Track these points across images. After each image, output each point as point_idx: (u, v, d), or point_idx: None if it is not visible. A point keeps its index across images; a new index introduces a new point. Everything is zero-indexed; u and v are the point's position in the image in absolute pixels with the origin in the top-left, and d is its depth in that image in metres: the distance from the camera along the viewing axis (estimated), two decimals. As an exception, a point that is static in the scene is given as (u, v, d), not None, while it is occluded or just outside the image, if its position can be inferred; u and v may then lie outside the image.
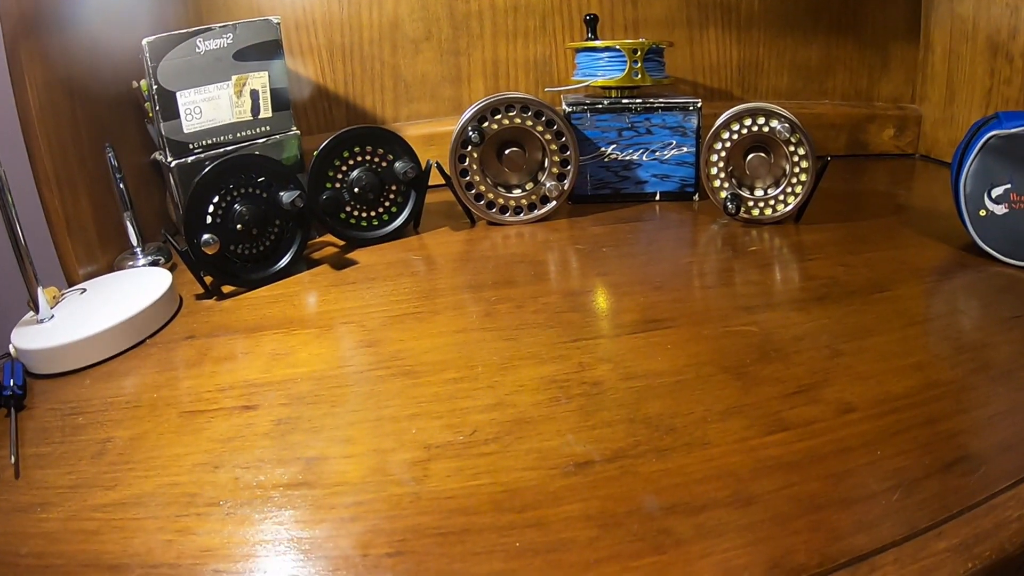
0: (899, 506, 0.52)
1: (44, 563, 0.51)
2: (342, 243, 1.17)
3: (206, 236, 0.95)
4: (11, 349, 0.82)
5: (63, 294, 0.92)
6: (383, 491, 0.56)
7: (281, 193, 1.02)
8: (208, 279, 1.00)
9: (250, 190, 1.01)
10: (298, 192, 1.01)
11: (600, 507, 0.53)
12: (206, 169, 0.97)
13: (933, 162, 1.53)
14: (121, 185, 1.05)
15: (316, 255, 1.13)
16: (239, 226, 0.99)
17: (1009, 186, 0.92)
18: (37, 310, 0.85)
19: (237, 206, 0.99)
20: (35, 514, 0.57)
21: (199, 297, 0.99)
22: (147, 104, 1.10)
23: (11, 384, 0.74)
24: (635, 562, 0.48)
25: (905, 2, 1.55)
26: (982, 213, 0.95)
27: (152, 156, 1.18)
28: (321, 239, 1.20)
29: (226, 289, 1.00)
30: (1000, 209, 0.93)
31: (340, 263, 1.08)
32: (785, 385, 0.68)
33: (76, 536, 0.54)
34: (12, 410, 0.72)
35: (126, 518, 0.55)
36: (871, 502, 0.52)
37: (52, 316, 0.85)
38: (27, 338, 0.81)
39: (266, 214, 1.02)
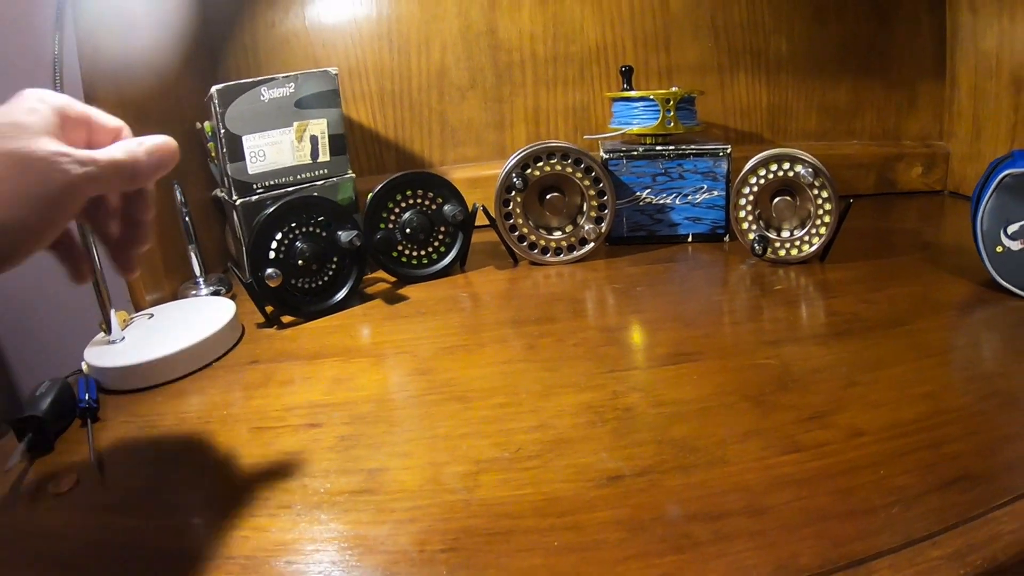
0: (898, 518, 0.56)
1: (130, 555, 0.58)
2: (394, 279, 1.22)
3: (270, 270, 1.01)
4: (83, 366, 0.88)
5: (132, 318, 0.98)
6: (438, 498, 0.62)
7: (340, 232, 1.07)
8: (269, 309, 1.05)
9: (311, 229, 1.07)
10: (356, 232, 1.07)
11: (629, 514, 0.58)
12: (271, 208, 1.03)
13: (961, 198, 1.53)
14: (187, 219, 1.12)
15: (370, 290, 1.18)
16: (300, 261, 1.05)
17: None
18: (109, 331, 0.91)
19: (299, 243, 1.05)
20: (117, 513, 0.63)
21: (260, 326, 1.04)
22: (210, 144, 1.16)
23: (86, 398, 0.80)
24: (658, 559, 0.53)
25: (930, 41, 1.57)
26: (999, 249, 0.96)
27: (213, 193, 1.24)
28: (374, 275, 1.26)
29: (285, 319, 1.06)
30: (1016, 245, 0.95)
31: (392, 298, 1.13)
32: (800, 412, 0.72)
33: (156, 533, 0.60)
34: (88, 421, 0.78)
35: (202, 517, 0.62)
36: (872, 515, 0.56)
37: (123, 338, 0.92)
38: (100, 356, 0.88)
39: (325, 251, 1.08)
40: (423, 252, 1.23)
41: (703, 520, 0.57)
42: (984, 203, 0.97)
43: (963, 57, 1.53)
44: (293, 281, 1.06)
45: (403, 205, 1.19)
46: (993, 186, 0.96)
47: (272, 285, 1.02)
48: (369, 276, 1.26)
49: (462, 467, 0.66)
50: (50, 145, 0.51)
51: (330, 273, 1.10)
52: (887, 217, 1.49)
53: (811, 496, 0.59)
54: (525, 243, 1.25)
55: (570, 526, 0.57)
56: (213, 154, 1.16)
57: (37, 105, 0.53)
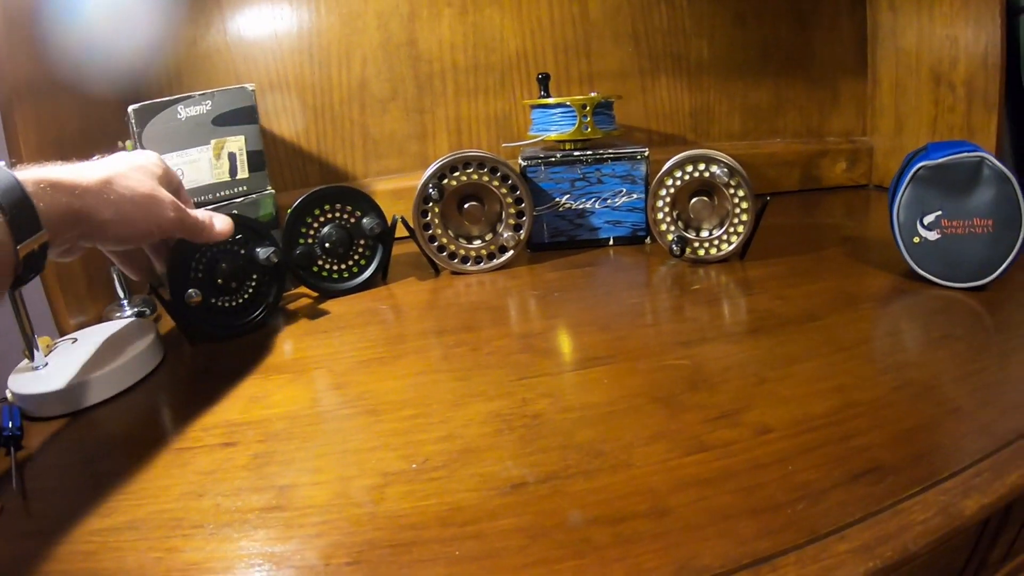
0: (804, 514, 0.57)
1: None
2: (315, 294, 1.23)
3: (190, 290, 1.01)
4: (8, 394, 0.87)
5: (55, 343, 0.97)
6: (345, 512, 0.62)
7: (258, 249, 1.07)
8: (190, 329, 1.05)
9: (229, 246, 1.07)
10: (273, 248, 1.07)
11: (531, 521, 0.59)
12: (187, 228, 1.03)
13: (886, 191, 1.50)
14: (109, 242, 1.11)
15: (291, 306, 1.18)
16: (220, 280, 1.05)
17: (940, 213, 0.98)
18: (32, 358, 0.90)
19: (219, 262, 1.05)
20: (38, 539, 0.62)
21: (182, 346, 1.04)
22: None
23: (10, 426, 0.79)
24: (558, 565, 0.54)
25: (851, 40, 1.62)
26: (916, 240, 1.00)
27: (137, 214, 1.24)
28: (296, 291, 1.26)
29: (205, 338, 1.06)
30: (933, 235, 0.99)
31: (313, 313, 1.14)
32: (708, 411, 0.74)
33: (75, 556, 0.60)
34: (12, 449, 0.77)
35: (120, 540, 0.61)
36: (777, 511, 0.58)
37: (46, 364, 0.91)
38: (23, 384, 0.87)
39: (244, 269, 1.08)
40: (344, 266, 1.23)
41: (605, 524, 0.58)
42: (900, 195, 1.00)
43: (884, 55, 1.59)
44: (213, 300, 1.06)
45: (322, 220, 1.19)
46: (908, 178, 0.99)
47: (192, 304, 1.02)
48: (291, 292, 1.26)
49: (369, 480, 0.67)
50: (167, 193, 0.87)
51: (250, 291, 1.10)
52: (812, 213, 1.53)
53: (715, 495, 0.60)
54: (445, 253, 1.26)
55: (472, 535, 0.58)
56: (135, 174, 1.15)
57: (157, 160, 0.91)
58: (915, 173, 0.99)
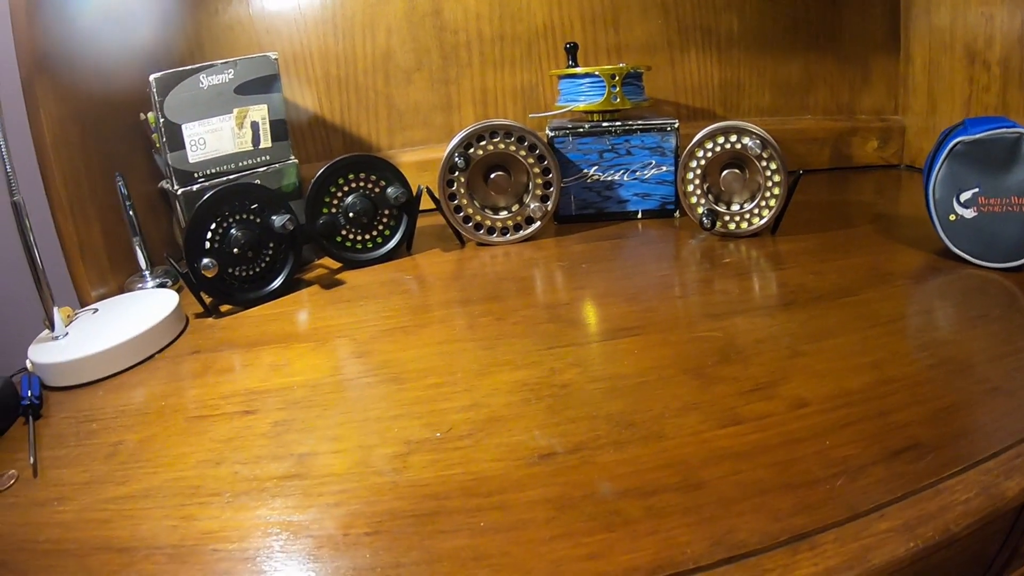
0: (843, 490, 0.55)
1: (60, 548, 0.57)
2: (339, 265, 1.22)
3: (205, 260, 1.00)
4: (28, 364, 0.87)
5: (76, 314, 0.97)
6: (365, 480, 0.61)
7: (273, 218, 1.07)
8: (208, 299, 1.04)
9: (245, 216, 1.06)
10: (288, 216, 1.07)
11: (559, 492, 0.58)
12: (203, 198, 1.02)
13: (918, 171, 1.54)
14: (131, 212, 1.10)
15: (313, 276, 1.17)
16: (236, 250, 1.04)
17: (977, 190, 0.95)
18: (53, 328, 0.90)
19: (233, 231, 1.04)
20: (52, 507, 0.62)
21: (202, 316, 1.03)
22: (154, 135, 1.15)
23: (29, 395, 0.80)
24: (586, 538, 0.53)
25: (883, 16, 1.58)
26: (952, 218, 0.98)
27: (159, 184, 1.23)
28: (319, 262, 1.25)
29: (225, 308, 1.05)
30: (969, 213, 0.96)
31: (336, 283, 1.13)
32: (742, 384, 0.72)
33: (89, 525, 0.59)
34: (30, 418, 0.77)
35: (135, 508, 0.61)
36: (815, 487, 0.56)
37: (67, 333, 0.91)
38: (43, 353, 0.87)
39: (260, 238, 1.07)
40: (368, 236, 1.22)
41: (635, 496, 0.57)
42: (936, 172, 0.98)
43: (917, 32, 1.54)
44: (230, 270, 1.05)
45: (345, 189, 1.18)
46: (944, 154, 0.97)
47: (208, 275, 1.01)
48: (315, 263, 1.25)
49: (391, 449, 0.66)
50: None
51: (267, 260, 1.10)
52: (842, 191, 1.49)
53: (750, 469, 0.59)
54: (471, 224, 1.25)
55: (497, 506, 0.57)
56: (157, 145, 1.15)
57: None
58: (952, 148, 0.97)
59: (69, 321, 0.94)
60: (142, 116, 1.19)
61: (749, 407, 0.68)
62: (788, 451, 0.61)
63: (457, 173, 1.21)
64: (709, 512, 0.55)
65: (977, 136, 0.95)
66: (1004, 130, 0.93)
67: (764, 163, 1.14)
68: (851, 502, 0.54)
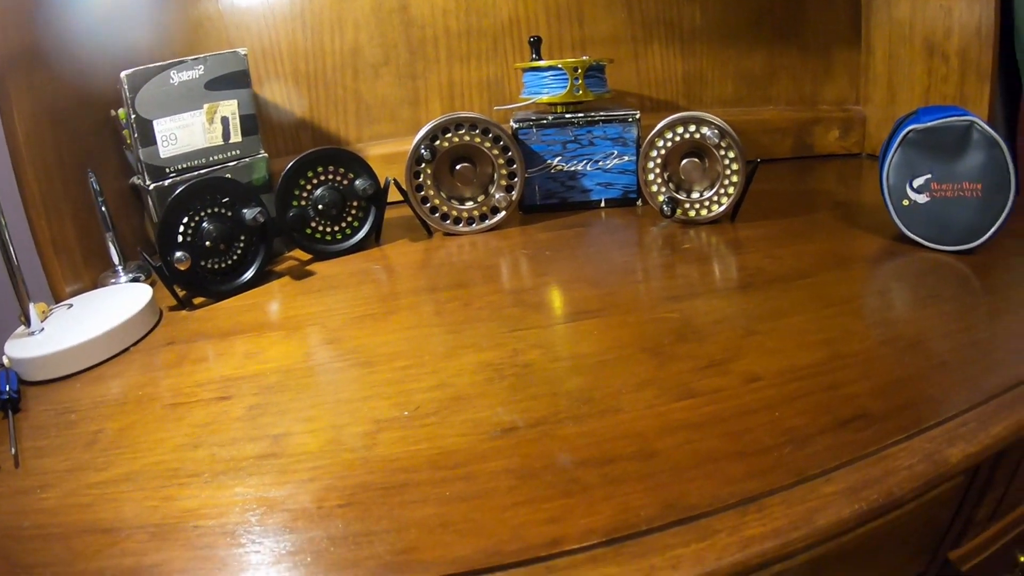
0: (791, 457, 0.58)
1: (45, 532, 0.58)
2: (309, 256, 1.23)
3: (178, 254, 1.01)
4: (4, 360, 0.88)
5: (51, 309, 0.98)
6: (337, 457, 0.64)
7: (244, 211, 1.08)
8: (182, 292, 1.06)
9: (217, 210, 1.07)
10: (259, 209, 1.08)
11: (520, 463, 0.60)
12: (175, 193, 1.03)
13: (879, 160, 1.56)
14: (103, 208, 1.11)
15: (284, 268, 1.19)
16: (208, 243, 1.05)
17: (929, 176, 0.98)
18: (29, 324, 0.91)
19: (205, 225, 1.06)
20: (35, 495, 0.63)
21: (176, 308, 1.05)
22: (125, 131, 1.15)
23: (7, 389, 0.81)
24: (547, 504, 0.55)
25: (845, 8, 1.61)
26: (905, 203, 1.00)
27: (131, 180, 1.24)
28: (290, 254, 1.27)
29: (198, 300, 1.06)
30: (922, 198, 0.99)
31: (306, 274, 1.14)
32: (698, 361, 0.75)
33: (73, 509, 0.61)
34: (9, 412, 0.78)
35: (117, 492, 0.62)
36: (765, 454, 0.59)
37: (43, 329, 0.91)
38: (20, 349, 0.87)
39: (232, 231, 1.08)
40: (337, 228, 1.24)
41: (593, 465, 0.59)
42: (890, 159, 1.01)
43: (877, 24, 1.57)
44: (203, 263, 1.07)
45: (315, 182, 1.20)
46: (898, 142, 1.00)
47: (181, 268, 1.02)
48: (285, 255, 1.27)
49: (362, 427, 0.68)
50: None
51: (238, 252, 1.11)
52: (804, 180, 1.53)
53: (702, 439, 0.62)
54: (437, 214, 1.27)
55: (462, 477, 0.59)
56: (129, 141, 1.15)
57: None
58: (905, 136, 1.00)
59: (44, 317, 0.95)
60: (113, 112, 1.20)
61: (703, 382, 0.71)
62: (740, 422, 0.64)
63: (423, 165, 1.23)
64: (663, 479, 0.57)
65: (929, 124, 0.98)
66: (955, 118, 0.96)
67: (722, 152, 1.17)
68: (799, 468, 0.57)
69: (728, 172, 1.18)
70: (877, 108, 1.62)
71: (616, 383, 0.72)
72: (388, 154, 1.47)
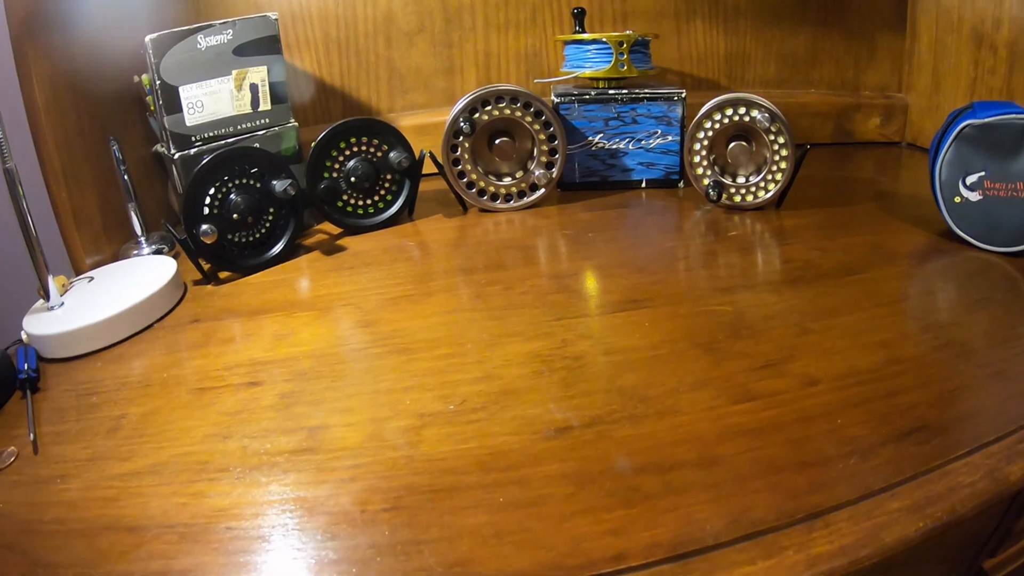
0: (855, 469, 0.56)
1: (66, 528, 0.55)
2: (340, 230, 1.20)
3: (204, 227, 0.98)
4: (23, 335, 0.85)
5: (71, 282, 0.95)
6: (380, 455, 0.60)
7: (274, 182, 1.05)
8: (207, 266, 1.03)
9: (245, 181, 1.04)
10: (289, 181, 1.05)
11: (577, 467, 0.57)
12: (202, 162, 1.00)
13: (919, 151, 1.53)
14: (125, 177, 1.08)
15: (314, 242, 1.15)
16: (235, 215, 1.02)
17: (983, 173, 0.94)
18: (48, 298, 0.88)
19: (233, 196, 1.03)
20: (56, 485, 0.60)
21: (201, 283, 1.02)
22: (148, 98, 1.12)
23: (25, 368, 0.78)
24: (607, 514, 0.52)
25: (891, -7, 1.57)
26: (957, 200, 0.97)
27: (154, 148, 1.21)
28: (319, 227, 1.23)
29: (224, 275, 1.03)
30: (974, 196, 0.96)
31: (337, 249, 1.11)
32: (753, 360, 0.72)
33: (95, 503, 0.58)
34: (28, 392, 0.75)
35: (142, 485, 0.59)
36: (828, 466, 0.56)
37: (62, 303, 0.88)
38: (39, 324, 0.84)
39: (260, 203, 1.05)
40: (369, 201, 1.20)
41: (653, 472, 0.57)
42: (943, 153, 0.97)
43: (925, 10, 1.52)
44: (229, 236, 1.04)
45: (347, 153, 1.16)
46: (952, 136, 0.96)
47: (207, 241, 0.99)
48: (315, 228, 1.23)
49: (405, 422, 0.65)
50: None
51: (267, 226, 1.08)
52: (844, 167, 1.49)
53: (764, 446, 0.59)
54: (474, 190, 1.24)
55: (516, 481, 0.56)
56: (152, 108, 1.12)
57: None
58: (961, 131, 0.96)
59: (64, 290, 0.92)
60: (136, 79, 1.17)
61: (761, 384, 0.68)
62: (800, 429, 0.61)
63: (461, 138, 1.19)
64: (726, 489, 0.54)
65: (986, 120, 0.94)
66: (1014, 116, 0.93)
67: (772, 136, 1.13)
68: (864, 481, 0.55)
69: (776, 158, 1.14)
70: (920, 97, 1.57)
71: (671, 381, 0.69)
72: (421, 125, 1.43)
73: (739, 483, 0.55)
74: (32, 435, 0.68)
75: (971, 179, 0.96)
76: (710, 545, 0.50)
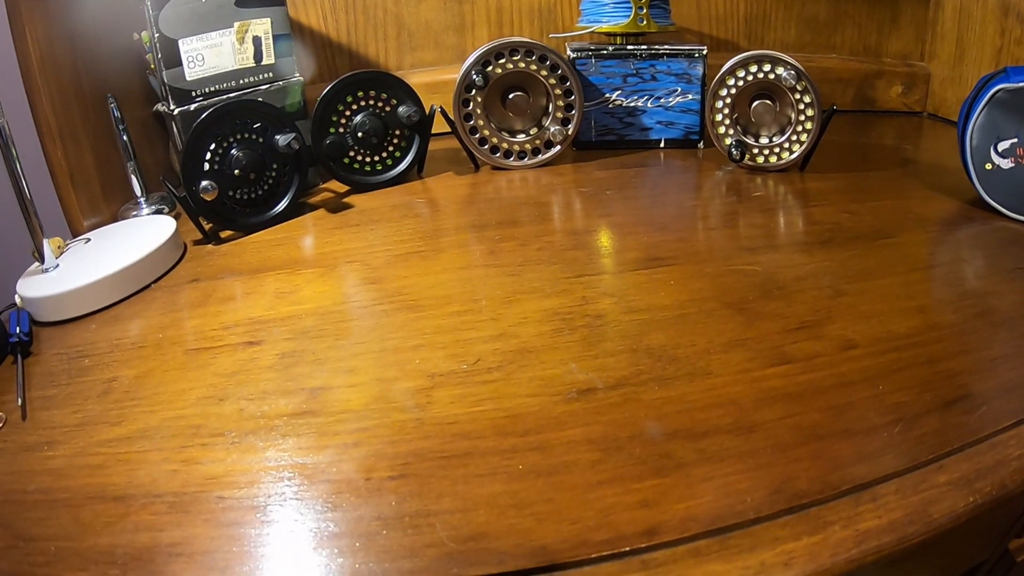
0: (900, 439, 0.53)
1: (51, 498, 0.52)
2: (346, 188, 1.16)
3: (204, 183, 0.95)
4: (16, 299, 0.82)
5: (68, 244, 0.92)
6: (386, 417, 0.57)
7: (277, 136, 1.02)
8: (208, 225, 1.00)
9: (247, 135, 1.01)
10: (293, 135, 1.01)
11: (603, 432, 0.53)
12: (202, 116, 0.96)
13: (941, 121, 1.50)
14: (124, 137, 1.05)
15: (319, 200, 1.12)
16: (237, 171, 0.99)
17: (1016, 140, 0.91)
18: (42, 260, 0.85)
19: (234, 151, 0.99)
20: (42, 452, 0.57)
21: (201, 243, 0.99)
22: (149, 56, 1.09)
23: (17, 331, 0.75)
24: (637, 484, 0.48)
25: (915, -43, 1.52)
26: (988, 167, 0.94)
27: (155, 108, 1.17)
28: (325, 185, 1.20)
29: (226, 234, 1.00)
30: (1006, 163, 0.93)
31: (343, 207, 1.08)
32: (787, 321, 0.69)
33: (82, 471, 0.54)
34: (19, 356, 0.72)
35: (131, 451, 0.56)
36: (872, 434, 0.53)
37: (57, 265, 0.85)
38: (32, 287, 0.82)
39: (263, 159, 1.02)
40: (377, 158, 1.17)
41: (686, 438, 0.53)
42: (974, 118, 0.94)
43: (949, -25, 1.48)
44: (231, 193, 1.00)
45: (354, 108, 1.12)
46: (984, 101, 0.93)
47: (207, 199, 0.96)
48: (320, 186, 1.20)
49: (414, 382, 0.61)
50: None
51: (270, 182, 1.04)
52: (866, 133, 1.46)
53: (804, 412, 0.56)
54: (487, 146, 1.20)
55: (535, 446, 0.53)
56: (152, 67, 1.08)
57: None
58: (994, 95, 0.92)
59: (60, 252, 0.89)
60: (135, 36, 1.13)
61: (797, 346, 0.65)
62: (841, 395, 0.58)
63: (474, 92, 1.15)
64: (765, 457, 0.51)
65: (1021, 84, 0.90)
66: (1049, 81, 0.89)
67: (798, 96, 1.09)
68: (910, 452, 0.52)
69: (802, 118, 1.10)
70: (943, 66, 1.53)
71: (702, 341, 0.66)
72: (430, 83, 1.38)
73: (779, 451, 0.52)
74: (21, 400, 0.65)
75: (1003, 146, 0.92)
76: (751, 519, 0.46)
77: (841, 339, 0.66)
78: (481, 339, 0.67)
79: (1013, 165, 0.92)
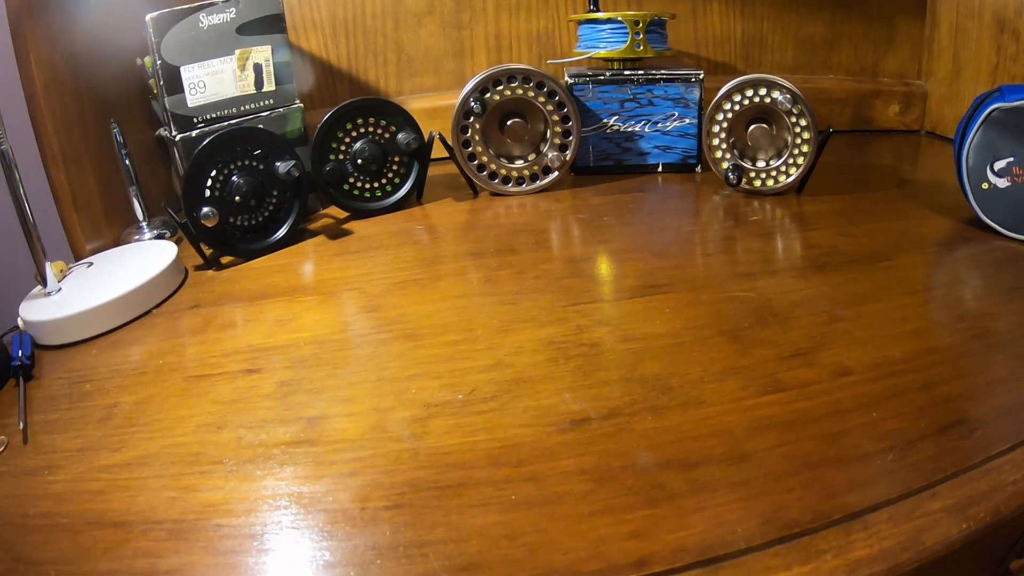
0: (893, 466, 0.53)
1: (51, 523, 0.52)
2: (346, 214, 1.17)
3: (205, 209, 0.95)
4: (19, 322, 0.83)
5: (70, 268, 0.93)
6: (382, 447, 0.57)
7: (277, 163, 1.02)
8: (208, 251, 1.00)
9: (247, 162, 1.02)
10: (293, 162, 1.02)
11: (595, 462, 0.54)
12: (203, 143, 0.97)
13: (939, 139, 1.50)
14: (127, 161, 1.05)
15: (319, 226, 1.13)
16: (237, 198, 0.99)
17: (1012, 159, 0.91)
18: (45, 284, 0.86)
19: (235, 178, 1.00)
20: (43, 477, 0.58)
21: (202, 268, 0.99)
22: (151, 80, 1.10)
23: (19, 355, 0.75)
24: (629, 515, 0.49)
25: (910, -24, 1.53)
26: (984, 186, 0.94)
27: (158, 133, 1.18)
28: (325, 211, 1.20)
29: (226, 260, 1.01)
30: (1003, 182, 0.93)
31: (343, 233, 1.08)
32: (782, 348, 0.69)
33: (82, 496, 0.55)
34: (20, 379, 0.73)
35: (131, 478, 0.56)
36: (865, 462, 0.53)
37: (59, 289, 0.86)
38: (35, 311, 0.82)
39: (263, 185, 1.02)
40: (376, 184, 1.17)
41: (678, 468, 0.54)
42: (970, 138, 0.94)
43: (945, -6, 1.49)
44: (232, 219, 1.01)
45: (354, 134, 1.13)
46: (980, 120, 0.93)
47: (208, 225, 0.96)
48: (320, 212, 1.21)
49: (409, 412, 0.62)
50: None
51: (270, 209, 1.05)
52: (864, 153, 1.46)
53: (797, 441, 0.56)
54: (485, 173, 1.21)
55: (529, 477, 0.53)
56: (155, 91, 1.09)
57: None
58: (989, 114, 0.92)
59: (62, 276, 0.90)
60: (138, 61, 1.14)
61: (791, 373, 0.65)
62: (834, 422, 0.58)
63: (472, 119, 1.16)
64: (757, 487, 0.51)
65: (1016, 104, 0.90)
66: (1045, 99, 0.90)
67: (794, 119, 1.10)
68: (903, 479, 0.52)
69: (798, 141, 1.11)
70: (940, 84, 1.54)
71: (696, 370, 0.66)
72: (430, 108, 1.40)
73: (771, 481, 0.52)
74: (22, 424, 0.66)
75: (999, 165, 0.93)
76: (742, 549, 0.46)
77: (836, 366, 0.66)
78: (477, 368, 0.67)
79: (1009, 184, 0.92)
